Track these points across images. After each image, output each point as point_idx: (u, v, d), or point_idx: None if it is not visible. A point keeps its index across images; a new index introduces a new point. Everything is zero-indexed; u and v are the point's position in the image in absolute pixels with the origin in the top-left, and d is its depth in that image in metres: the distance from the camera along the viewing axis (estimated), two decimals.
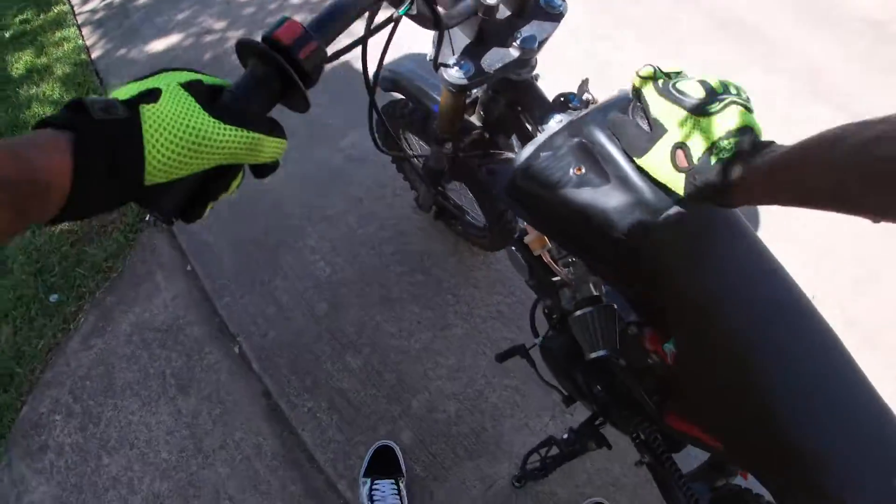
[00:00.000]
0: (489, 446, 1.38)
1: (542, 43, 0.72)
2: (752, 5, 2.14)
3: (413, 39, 1.05)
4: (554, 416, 1.40)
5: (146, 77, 0.42)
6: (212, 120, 0.39)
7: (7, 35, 2.89)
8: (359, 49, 0.55)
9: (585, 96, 0.81)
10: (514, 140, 1.03)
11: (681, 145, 0.55)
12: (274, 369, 1.47)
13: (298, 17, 0.43)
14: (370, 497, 1.28)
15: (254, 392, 1.47)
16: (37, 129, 0.36)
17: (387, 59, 0.65)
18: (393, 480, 1.30)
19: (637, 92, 0.62)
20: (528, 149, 0.70)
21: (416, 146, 1.46)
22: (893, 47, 1.98)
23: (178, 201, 0.42)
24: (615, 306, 0.79)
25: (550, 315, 1.06)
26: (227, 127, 0.40)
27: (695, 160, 0.54)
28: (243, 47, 0.44)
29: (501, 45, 0.72)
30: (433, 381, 1.44)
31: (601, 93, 0.76)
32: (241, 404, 1.46)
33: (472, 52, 0.71)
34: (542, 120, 0.81)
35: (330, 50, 0.48)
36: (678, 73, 0.61)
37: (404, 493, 1.31)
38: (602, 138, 0.66)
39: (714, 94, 0.56)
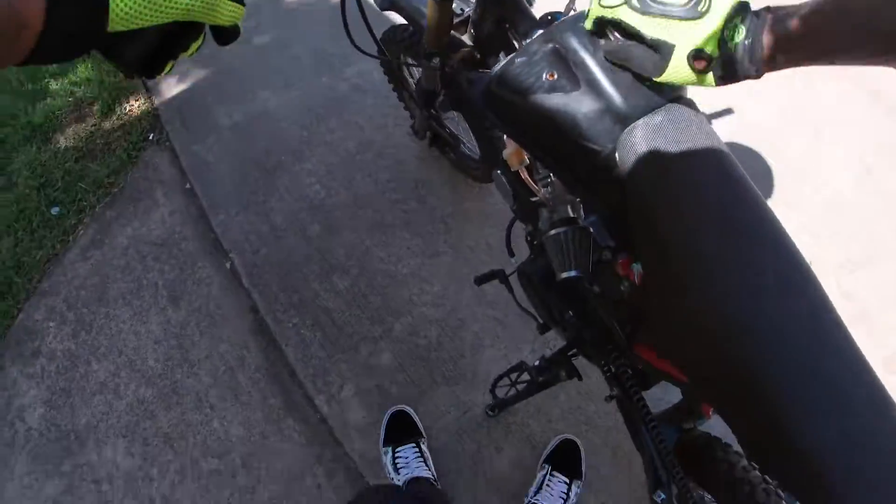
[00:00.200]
0: (466, 374, 1.47)
1: None
2: None
3: None
4: (533, 350, 1.47)
5: None
6: None
7: None
8: None
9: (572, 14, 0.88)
10: (502, 57, 1.11)
11: (694, 52, 0.57)
12: (263, 286, 1.57)
13: None
14: (395, 466, 1.34)
15: (242, 307, 1.57)
16: None
17: None
18: (414, 444, 1.37)
19: (603, 23, 0.63)
20: (506, 58, 0.75)
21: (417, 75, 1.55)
22: None
23: (140, 53, 0.49)
24: (591, 230, 0.82)
25: (531, 242, 1.12)
26: None
27: (713, 58, 0.56)
28: None
29: None
30: (417, 306, 1.52)
31: None
32: (229, 318, 1.57)
33: None
34: (526, 36, 0.86)
35: None
36: None
37: (427, 453, 1.37)
38: (575, 43, 0.69)
39: None
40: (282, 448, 1.45)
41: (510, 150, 1.06)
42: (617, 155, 0.64)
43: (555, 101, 0.69)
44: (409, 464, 1.33)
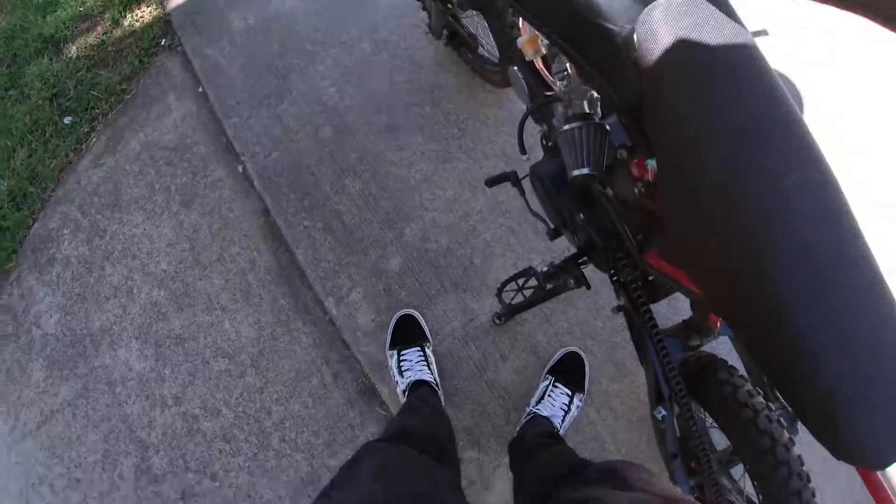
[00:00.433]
0: (475, 282, 1.52)
1: None
2: None
3: None
4: (544, 260, 1.51)
5: None
6: None
7: None
8: None
9: None
10: None
11: None
12: (274, 188, 1.64)
13: None
14: (399, 368, 1.42)
15: (253, 209, 1.65)
16: None
17: None
18: (418, 347, 1.45)
19: None
20: None
21: None
22: None
23: None
24: (607, 127, 0.82)
25: (545, 143, 1.15)
26: None
27: None
28: None
29: None
30: (428, 211, 1.58)
31: None
32: (241, 221, 1.65)
33: None
34: None
35: None
36: None
37: (431, 357, 1.45)
38: None
39: None
40: (290, 349, 1.55)
41: (526, 37, 1.07)
42: (635, 36, 0.62)
43: None
44: (413, 367, 1.41)
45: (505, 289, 1.27)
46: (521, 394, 1.47)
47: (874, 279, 0.53)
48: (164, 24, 2.02)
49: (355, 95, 1.74)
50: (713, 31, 0.58)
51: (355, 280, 1.55)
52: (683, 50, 0.59)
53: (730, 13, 0.61)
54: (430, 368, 1.43)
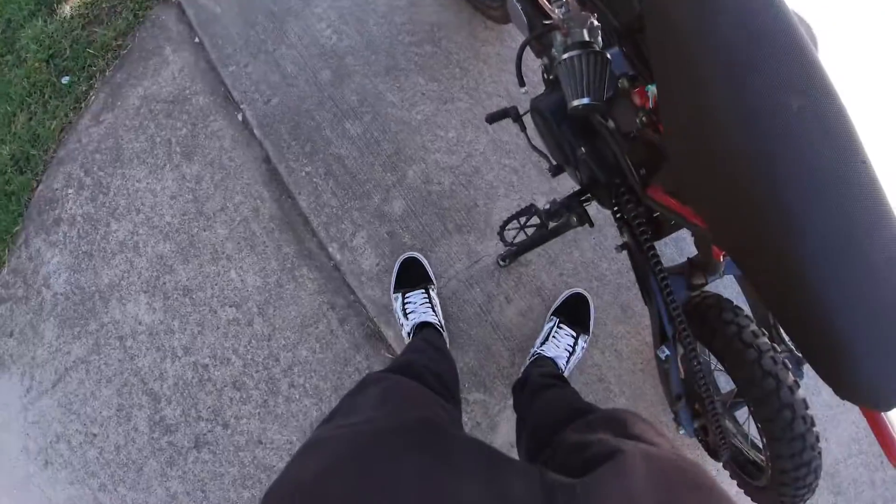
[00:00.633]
0: (479, 223, 1.58)
1: None
2: None
3: None
4: (548, 200, 1.61)
5: None
6: None
7: None
8: None
9: None
10: None
11: None
12: (275, 135, 1.70)
13: None
14: (404, 311, 1.50)
15: (255, 157, 1.72)
16: None
17: None
18: (422, 290, 1.52)
19: None
20: None
21: None
22: None
23: None
24: (608, 56, 0.84)
25: (546, 77, 1.16)
26: None
27: None
28: None
29: None
30: (431, 153, 1.64)
31: None
32: (242, 169, 1.72)
33: None
34: None
35: None
36: None
37: (435, 299, 1.52)
38: None
39: None
40: (296, 295, 1.63)
41: None
42: None
43: None
44: (417, 309, 1.48)
45: (507, 228, 1.30)
46: (526, 335, 1.53)
47: (883, 211, 0.53)
48: None
49: (353, 37, 1.78)
50: None
51: (358, 224, 1.63)
52: None
53: None
54: (434, 310, 1.49)
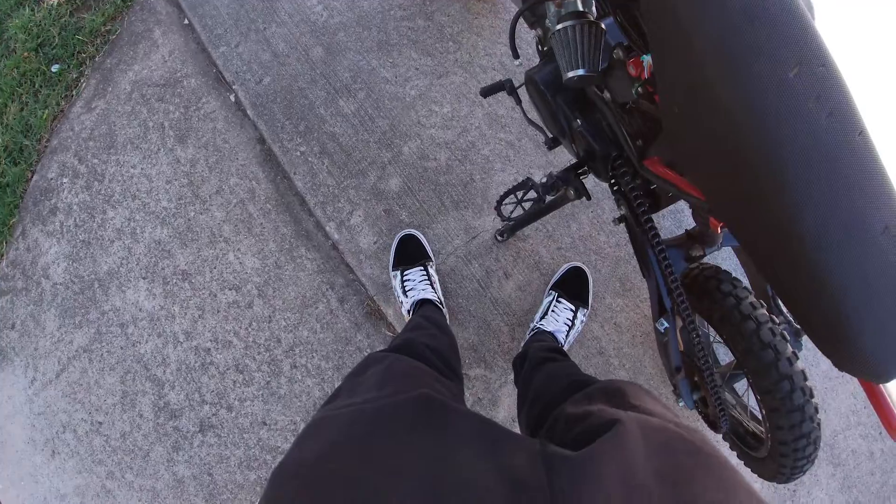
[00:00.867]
0: (476, 198, 1.61)
1: None
2: None
3: None
4: (545, 175, 1.63)
5: None
6: None
7: None
8: None
9: None
10: None
11: None
12: (268, 115, 1.73)
13: None
14: (403, 288, 1.53)
15: (249, 138, 1.75)
16: None
17: None
18: (421, 267, 1.55)
19: None
20: None
21: None
22: None
23: None
24: (602, 26, 0.85)
25: (541, 49, 1.16)
26: None
27: None
28: None
29: None
30: (426, 128, 1.66)
31: None
32: (237, 151, 1.75)
33: None
34: None
35: None
36: None
37: (434, 276, 1.56)
38: None
39: None
40: (295, 276, 1.67)
41: None
42: None
43: None
44: (416, 286, 1.51)
45: (504, 202, 1.32)
46: (525, 310, 1.57)
47: (881, 182, 0.53)
48: None
49: (344, 12, 1.81)
50: None
51: (355, 203, 1.66)
52: None
53: None
54: (433, 287, 1.53)
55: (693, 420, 1.48)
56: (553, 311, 1.50)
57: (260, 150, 1.75)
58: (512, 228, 1.54)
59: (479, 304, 1.58)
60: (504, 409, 1.54)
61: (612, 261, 1.58)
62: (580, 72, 0.84)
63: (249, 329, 1.69)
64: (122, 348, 1.79)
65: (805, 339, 1.08)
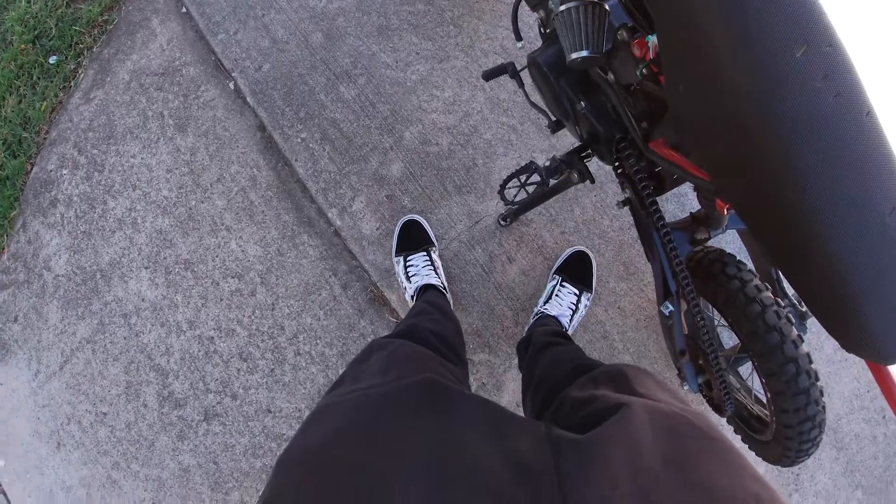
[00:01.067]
0: (478, 183, 1.63)
1: None
2: None
3: None
4: (548, 159, 1.65)
5: None
6: None
7: None
8: None
9: None
10: None
11: None
12: (268, 102, 1.75)
13: None
14: (406, 274, 1.55)
15: (249, 126, 1.77)
16: None
17: None
18: (424, 252, 1.57)
19: None
20: None
21: None
22: None
23: None
24: (606, 7, 0.85)
25: (543, 31, 1.17)
26: None
27: None
28: None
29: None
30: (427, 113, 1.68)
31: None
32: (237, 138, 1.77)
33: None
34: None
35: None
36: None
37: (437, 261, 1.58)
38: None
39: None
40: (298, 263, 1.69)
41: None
42: None
43: None
44: (420, 271, 1.53)
45: (507, 186, 1.32)
46: (529, 295, 1.59)
47: (888, 160, 0.54)
48: None
49: None
50: None
51: (357, 189, 1.68)
52: None
53: None
54: (436, 272, 1.55)
55: (698, 404, 1.51)
56: (557, 295, 1.52)
57: (260, 138, 1.77)
58: (515, 213, 1.56)
59: (483, 289, 1.60)
60: (509, 393, 1.57)
61: (616, 244, 1.60)
62: (584, 53, 0.85)
63: (253, 317, 1.71)
64: (125, 339, 1.81)
65: (809, 321, 1.10)
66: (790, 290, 1.14)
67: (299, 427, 0.63)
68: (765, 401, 1.04)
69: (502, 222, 1.61)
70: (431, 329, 1.11)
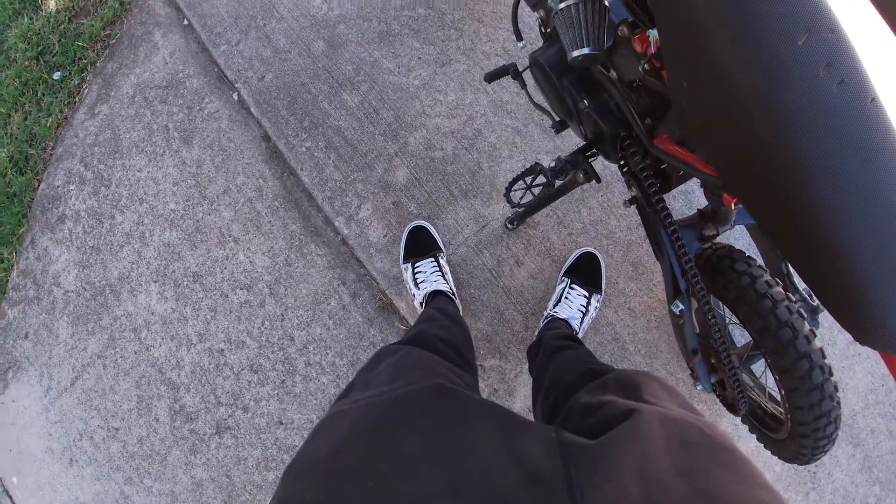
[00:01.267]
0: (484, 186, 1.64)
1: None
2: None
3: None
4: (553, 160, 1.66)
5: None
6: None
7: None
8: None
9: None
10: None
11: None
12: (272, 112, 1.78)
13: None
14: (414, 281, 1.56)
15: (253, 136, 1.80)
16: None
17: None
18: (432, 258, 1.58)
19: None
20: None
21: None
22: None
23: None
24: (606, 3, 0.85)
25: (544, 31, 1.17)
26: None
27: None
28: None
29: None
30: (431, 118, 1.70)
31: None
32: (242, 149, 1.79)
33: None
34: None
35: None
36: None
37: (445, 266, 1.59)
38: None
39: None
40: (306, 273, 1.71)
41: None
42: None
43: None
44: (428, 277, 1.54)
45: (513, 189, 1.33)
46: (538, 298, 1.60)
47: (893, 145, 0.54)
48: None
49: (344, 4, 1.84)
50: None
51: (363, 197, 1.70)
52: None
53: None
54: (445, 278, 1.56)
55: (711, 403, 1.51)
56: (566, 297, 1.52)
57: (265, 148, 1.80)
58: (522, 215, 1.57)
59: (492, 294, 1.61)
60: (520, 399, 1.58)
61: (624, 245, 1.61)
62: (585, 50, 0.85)
63: (262, 328, 1.73)
64: (135, 353, 1.84)
65: (821, 316, 1.10)
66: (801, 285, 1.14)
67: (308, 436, 0.63)
68: (779, 398, 1.04)
69: (509, 225, 1.62)
70: (440, 335, 1.12)
